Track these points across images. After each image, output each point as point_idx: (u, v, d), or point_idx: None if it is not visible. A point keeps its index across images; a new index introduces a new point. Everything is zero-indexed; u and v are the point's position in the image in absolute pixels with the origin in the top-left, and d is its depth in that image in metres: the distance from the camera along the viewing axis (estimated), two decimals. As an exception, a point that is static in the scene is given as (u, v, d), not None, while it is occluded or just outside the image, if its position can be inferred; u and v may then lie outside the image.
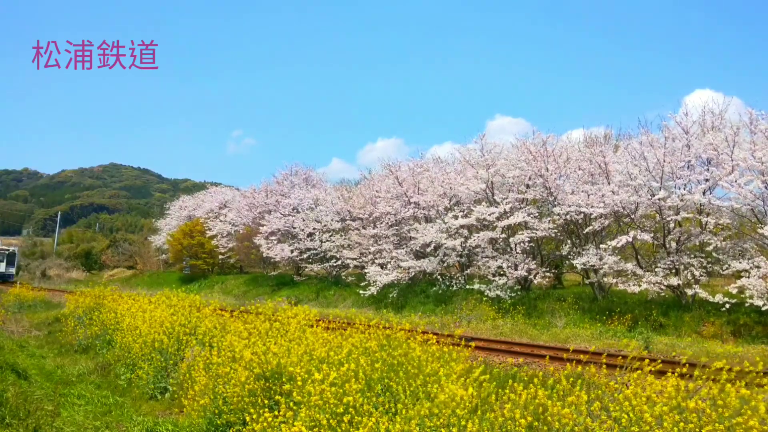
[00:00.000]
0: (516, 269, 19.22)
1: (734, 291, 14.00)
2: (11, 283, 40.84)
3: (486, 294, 19.31)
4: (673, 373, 5.16)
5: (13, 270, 48.26)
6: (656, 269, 15.93)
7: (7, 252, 48.53)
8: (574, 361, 6.25)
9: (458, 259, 22.32)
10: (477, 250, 21.10)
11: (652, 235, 16.57)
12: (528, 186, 19.93)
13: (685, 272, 15.70)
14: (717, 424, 4.25)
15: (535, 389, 5.04)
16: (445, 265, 22.57)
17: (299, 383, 6.01)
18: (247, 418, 5.89)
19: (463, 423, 4.90)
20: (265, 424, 5.46)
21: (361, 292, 23.21)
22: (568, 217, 18.29)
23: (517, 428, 4.79)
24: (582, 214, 17.89)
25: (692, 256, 16.11)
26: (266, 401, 6.46)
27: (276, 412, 5.71)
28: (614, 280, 17.05)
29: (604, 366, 5.65)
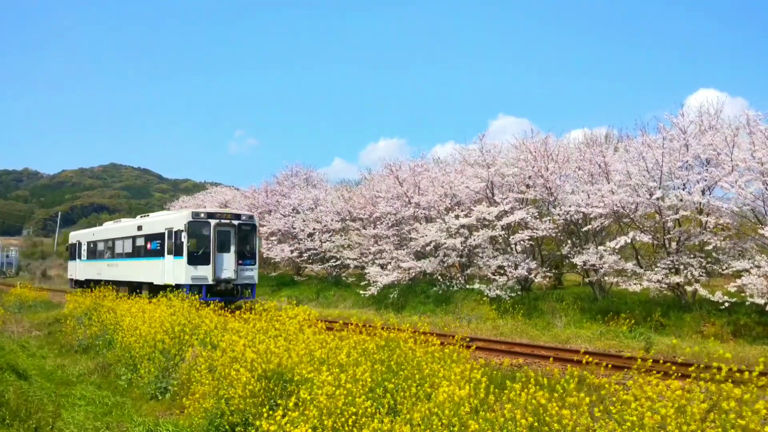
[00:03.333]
0: (516, 268, 19.22)
1: (733, 290, 13.98)
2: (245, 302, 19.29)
3: (486, 294, 19.29)
4: (678, 375, 5.15)
5: (254, 272, 21.02)
6: (656, 269, 15.92)
7: (238, 222, 20.56)
8: (572, 362, 6.24)
9: (458, 259, 22.30)
10: (477, 249, 21.09)
11: (651, 236, 16.56)
12: (528, 186, 19.92)
13: (685, 272, 15.68)
14: (719, 429, 4.25)
15: (535, 390, 5.03)
16: (446, 265, 22.54)
17: (300, 387, 6.00)
18: (251, 420, 5.88)
19: (463, 423, 4.90)
20: (270, 422, 5.44)
21: (361, 292, 23.19)
22: (567, 217, 18.28)
23: (517, 429, 4.79)
24: (581, 214, 17.88)
25: (692, 256, 16.09)
26: (270, 401, 6.44)
27: (279, 412, 5.69)
28: (614, 279, 17.03)
29: (605, 366, 5.65)
